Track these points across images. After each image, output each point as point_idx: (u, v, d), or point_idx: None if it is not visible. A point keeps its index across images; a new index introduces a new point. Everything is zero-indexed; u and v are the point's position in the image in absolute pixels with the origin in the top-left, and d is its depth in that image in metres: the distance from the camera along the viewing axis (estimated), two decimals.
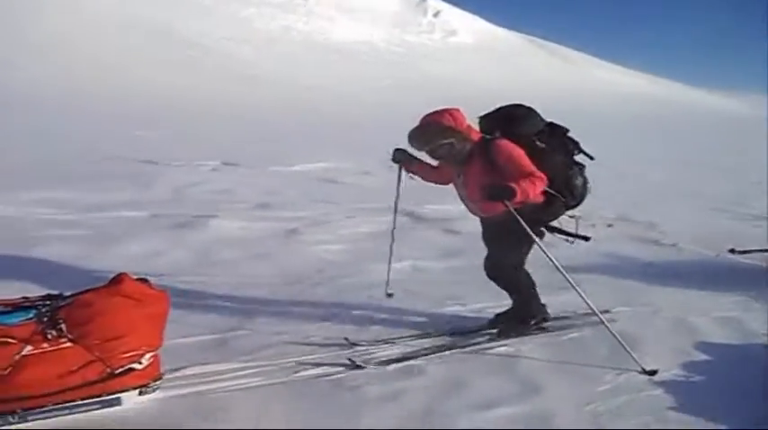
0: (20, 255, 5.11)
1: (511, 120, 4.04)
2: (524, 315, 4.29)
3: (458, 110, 3.96)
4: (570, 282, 3.90)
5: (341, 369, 3.59)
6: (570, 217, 4.24)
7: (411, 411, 3.22)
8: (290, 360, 3.64)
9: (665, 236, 7.75)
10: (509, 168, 3.80)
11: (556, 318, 4.46)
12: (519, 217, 3.80)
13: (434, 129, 3.87)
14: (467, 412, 3.25)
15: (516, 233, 3.90)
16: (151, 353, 3.07)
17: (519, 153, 3.84)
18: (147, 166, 9.97)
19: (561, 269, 3.87)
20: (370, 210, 7.87)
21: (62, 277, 4.56)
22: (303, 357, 3.68)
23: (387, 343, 3.97)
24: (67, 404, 2.87)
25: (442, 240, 6.74)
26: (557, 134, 4.07)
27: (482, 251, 4.28)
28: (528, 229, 3.85)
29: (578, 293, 3.90)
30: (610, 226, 8.06)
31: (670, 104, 60.54)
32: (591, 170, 4.18)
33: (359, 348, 3.85)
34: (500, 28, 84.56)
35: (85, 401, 2.90)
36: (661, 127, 35.19)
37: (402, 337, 4.07)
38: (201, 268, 5.25)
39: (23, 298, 3.06)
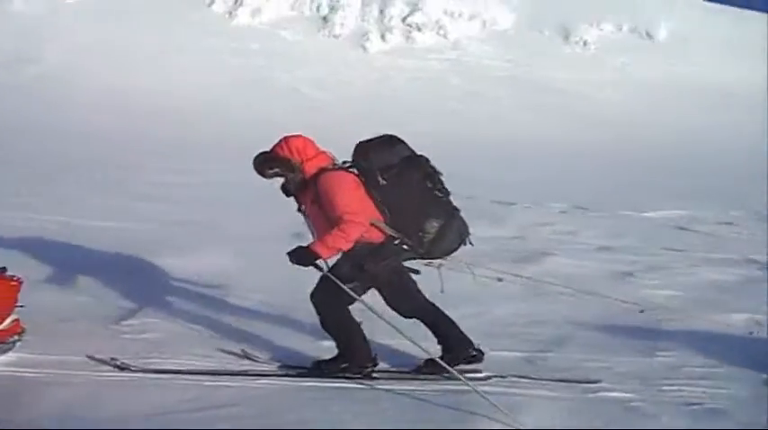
0: None
1: (359, 152, 3.82)
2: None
3: (299, 138, 3.83)
4: (396, 328, 3.75)
5: None
6: (427, 265, 3.95)
7: None
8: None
9: None
10: (327, 206, 3.67)
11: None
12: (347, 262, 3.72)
13: (262, 158, 3.81)
14: None
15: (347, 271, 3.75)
16: None
17: (341, 189, 3.67)
18: (498, 206, 10.90)
19: (383, 316, 3.77)
20: (719, 261, 7.53)
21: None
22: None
23: None
24: None
25: None
26: (411, 170, 3.76)
27: None
28: (340, 283, 3.69)
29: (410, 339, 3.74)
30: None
31: None
32: None
33: None
34: None
35: None
36: None
37: None
38: (530, 298, 5.79)
39: None
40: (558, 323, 5.06)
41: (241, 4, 32.75)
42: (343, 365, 3.88)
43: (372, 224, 3.72)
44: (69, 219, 7.54)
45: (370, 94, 28.64)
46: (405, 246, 3.78)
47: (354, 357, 3.88)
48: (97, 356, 3.96)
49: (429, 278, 4.06)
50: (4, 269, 4.00)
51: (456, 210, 3.88)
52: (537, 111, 28.77)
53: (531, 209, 10.98)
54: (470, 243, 3.99)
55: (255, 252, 6.48)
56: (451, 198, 3.89)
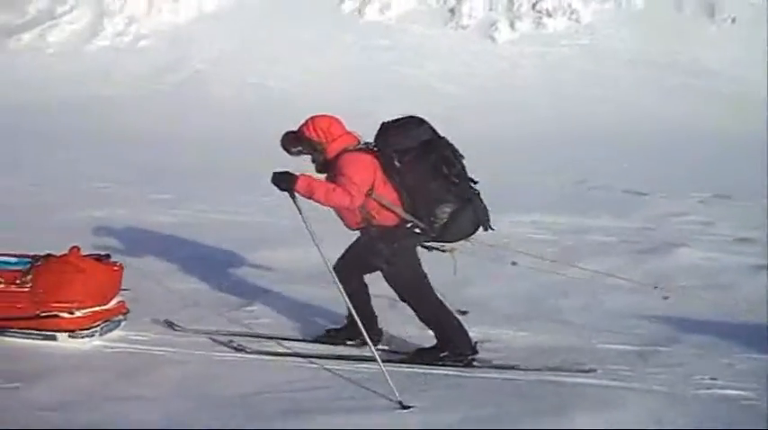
0: (488, 264, 6.17)
1: (380, 134, 3.88)
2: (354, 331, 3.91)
3: (325, 118, 3.87)
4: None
5: None
6: (442, 250, 3.94)
7: None
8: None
9: None
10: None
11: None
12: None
13: (290, 137, 3.88)
14: None
15: (373, 250, 3.80)
16: (86, 310, 4.11)
17: (353, 164, 3.73)
18: (629, 196, 10.42)
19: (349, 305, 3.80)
20: None
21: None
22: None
23: None
24: (16, 330, 4.15)
25: None
26: (428, 155, 3.75)
27: None
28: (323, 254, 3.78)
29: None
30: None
31: None
32: None
33: None
34: None
35: (24, 331, 4.14)
36: None
37: None
38: (652, 290, 5.49)
39: (34, 255, 4.32)
40: (670, 317, 4.80)
41: (370, 2, 33.35)
42: (443, 354, 3.92)
43: (381, 204, 3.76)
44: (204, 214, 8.11)
45: (500, 85, 28.20)
46: (417, 230, 3.81)
47: (453, 345, 3.94)
48: (216, 338, 4.26)
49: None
50: (108, 256, 4.47)
51: (473, 195, 3.87)
52: (680, 95, 27.00)
53: (666, 199, 10.37)
54: (491, 228, 3.95)
55: None
56: (471, 184, 3.89)
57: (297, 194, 3.74)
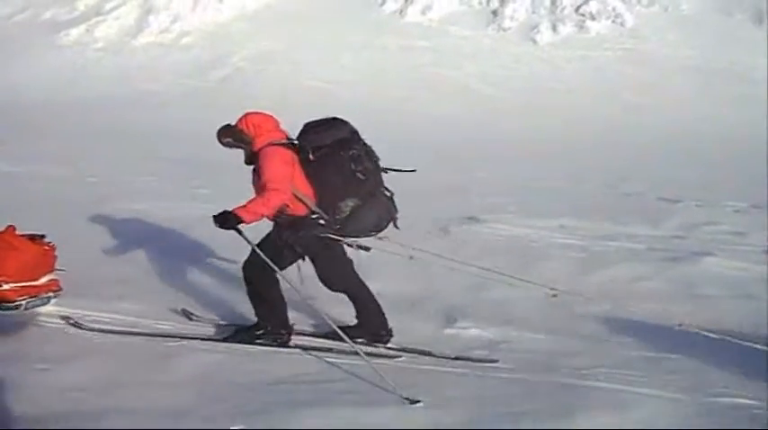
0: (519, 266, 6.18)
1: (302, 131, 4.14)
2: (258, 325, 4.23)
3: (259, 115, 4.14)
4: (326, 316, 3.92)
5: None
6: (350, 245, 4.17)
7: None
8: None
9: None
10: (260, 176, 3.97)
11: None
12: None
13: (224, 129, 4.15)
14: None
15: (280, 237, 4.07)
16: (13, 284, 4.25)
17: (272, 161, 3.96)
18: (663, 204, 10.30)
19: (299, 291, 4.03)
20: None
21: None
22: None
23: None
24: None
25: None
26: (339, 151, 3.99)
27: None
28: (264, 256, 3.98)
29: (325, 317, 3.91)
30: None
31: None
32: None
33: None
34: None
35: None
36: None
37: None
38: (676, 299, 5.48)
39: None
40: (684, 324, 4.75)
41: (412, 2, 33.43)
42: (258, 332, 4.22)
43: (295, 196, 4.00)
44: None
45: (540, 88, 28.01)
46: (321, 221, 4.05)
47: (272, 325, 4.22)
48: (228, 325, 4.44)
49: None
50: (43, 236, 4.68)
51: (381, 193, 4.12)
52: (725, 102, 26.45)
53: (700, 207, 10.23)
54: (395, 226, 4.20)
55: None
56: (382, 182, 4.13)
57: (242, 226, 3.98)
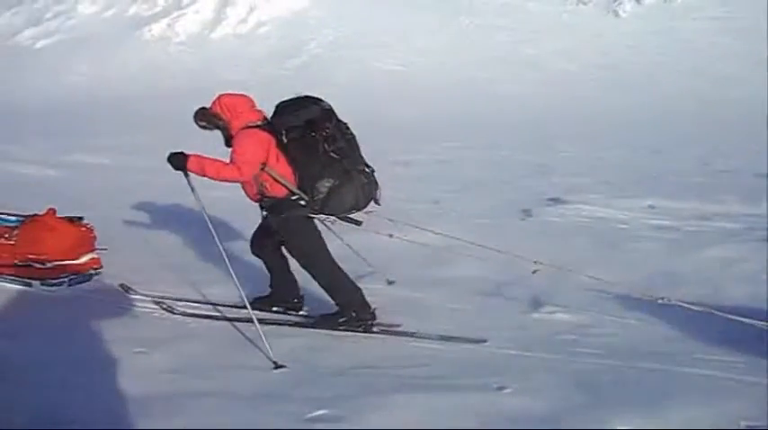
0: (605, 250, 6.07)
1: (275, 112, 4.11)
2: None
3: (232, 96, 4.13)
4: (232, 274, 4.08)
5: None
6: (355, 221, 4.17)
7: None
8: None
9: None
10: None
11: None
12: None
13: (199, 112, 4.17)
14: None
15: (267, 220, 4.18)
16: (55, 262, 4.69)
17: (247, 142, 3.99)
18: (760, 180, 9.72)
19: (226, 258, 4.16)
20: None
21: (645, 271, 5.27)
22: None
23: None
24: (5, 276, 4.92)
25: None
26: (311, 132, 3.97)
27: None
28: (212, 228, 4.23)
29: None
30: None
31: None
32: None
33: None
34: None
35: (6, 276, 4.90)
36: None
37: None
38: None
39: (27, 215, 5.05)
40: None
41: None
42: (342, 319, 4.23)
43: (273, 178, 4.05)
44: None
45: (623, 62, 26.94)
46: (302, 202, 4.08)
47: (355, 311, 4.27)
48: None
49: None
50: (81, 218, 5.08)
51: (359, 171, 4.08)
52: None
53: None
54: (377, 202, 4.20)
55: (481, 226, 6.66)
56: (360, 159, 4.12)
57: (190, 173, 4.10)
